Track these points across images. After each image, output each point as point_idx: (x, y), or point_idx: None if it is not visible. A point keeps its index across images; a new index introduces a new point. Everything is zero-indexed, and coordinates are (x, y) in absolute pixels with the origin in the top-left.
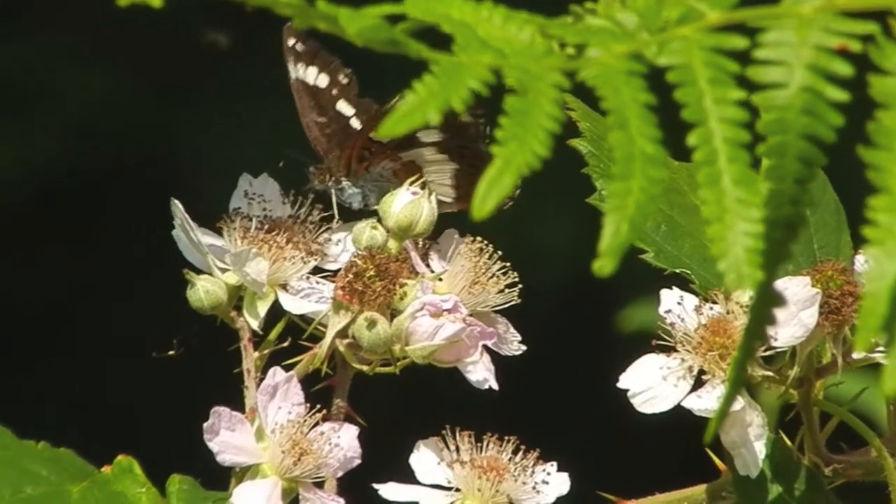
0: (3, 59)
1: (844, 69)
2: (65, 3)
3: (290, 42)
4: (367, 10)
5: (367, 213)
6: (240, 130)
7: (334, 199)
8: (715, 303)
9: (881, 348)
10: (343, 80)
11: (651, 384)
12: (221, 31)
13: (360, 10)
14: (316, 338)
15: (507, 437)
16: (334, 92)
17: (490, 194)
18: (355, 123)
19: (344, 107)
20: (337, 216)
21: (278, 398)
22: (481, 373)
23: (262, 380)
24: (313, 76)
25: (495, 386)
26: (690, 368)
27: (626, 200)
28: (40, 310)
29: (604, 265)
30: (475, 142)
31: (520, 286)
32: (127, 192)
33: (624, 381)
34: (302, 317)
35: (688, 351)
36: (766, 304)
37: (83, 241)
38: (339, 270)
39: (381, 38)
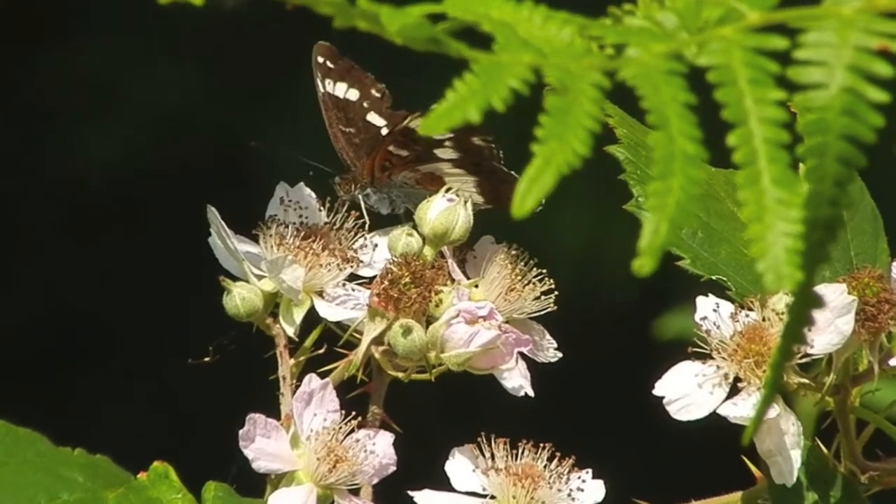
0: (82, 61)
1: (885, 70)
2: (140, 5)
3: (320, 60)
4: (408, 8)
5: (400, 218)
6: (309, 133)
7: (363, 206)
8: (751, 310)
9: None
10: (376, 94)
11: (686, 391)
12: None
13: (401, 9)
14: (352, 345)
15: (542, 445)
16: (365, 105)
17: (530, 193)
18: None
19: (374, 118)
20: (367, 223)
21: (314, 405)
22: (517, 380)
23: (297, 387)
24: (343, 91)
25: (531, 393)
26: (726, 376)
27: (665, 200)
28: (80, 314)
29: (643, 265)
30: (489, 160)
31: (556, 293)
32: (196, 191)
33: (659, 389)
34: (338, 324)
35: (723, 358)
36: (805, 305)
37: (150, 238)
38: (374, 277)
39: (421, 37)
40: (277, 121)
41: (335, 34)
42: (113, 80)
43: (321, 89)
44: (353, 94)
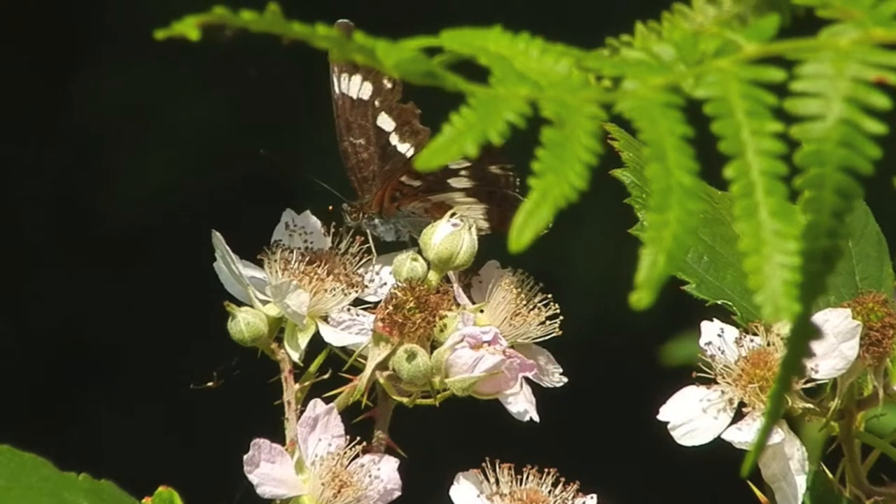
0: (114, 91)
1: (882, 101)
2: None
3: None
4: (405, 42)
5: (405, 244)
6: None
7: (370, 236)
8: (755, 335)
9: None
10: (387, 84)
11: (691, 416)
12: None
13: (398, 43)
14: (356, 370)
15: (547, 469)
16: (377, 103)
17: (527, 226)
18: (394, 140)
19: (384, 121)
20: (374, 250)
21: (318, 430)
22: (522, 404)
23: (302, 412)
24: (357, 87)
25: (536, 418)
26: (731, 401)
27: (663, 232)
28: (87, 336)
29: (641, 298)
30: (504, 188)
31: (561, 318)
32: (229, 219)
33: (664, 414)
34: (342, 348)
35: (728, 383)
36: (804, 336)
37: (160, 261)
38: (379, 302)
39: (418, 71)
40: (306, 150)
41: (358, 22)
42: (142, 109)
43: (336, 90)
44: (367, 91)
